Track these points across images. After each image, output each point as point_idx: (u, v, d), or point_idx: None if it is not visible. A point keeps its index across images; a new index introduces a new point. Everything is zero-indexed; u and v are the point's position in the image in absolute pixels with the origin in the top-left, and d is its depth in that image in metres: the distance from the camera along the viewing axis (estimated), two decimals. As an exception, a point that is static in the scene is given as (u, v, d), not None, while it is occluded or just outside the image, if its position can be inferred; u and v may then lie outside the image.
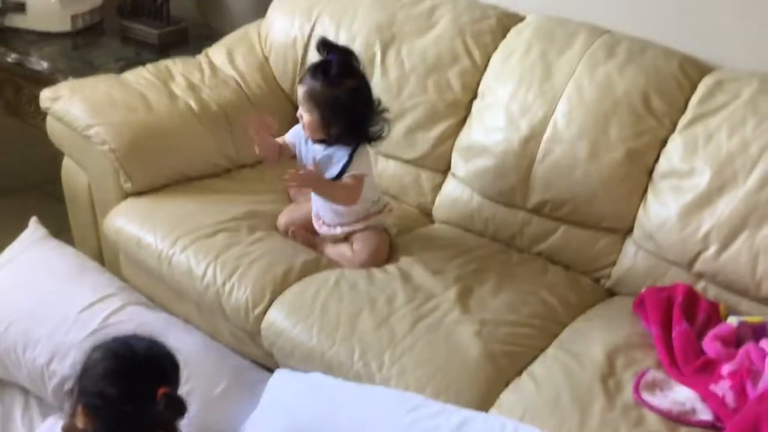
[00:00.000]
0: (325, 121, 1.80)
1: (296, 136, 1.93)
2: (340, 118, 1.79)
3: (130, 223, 2.01)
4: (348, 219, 1.91)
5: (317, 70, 1.80)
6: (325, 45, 1.81)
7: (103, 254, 2.22)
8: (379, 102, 1.85)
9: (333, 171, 1.85)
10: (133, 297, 1.93)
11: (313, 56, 2.24)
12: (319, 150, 1.87)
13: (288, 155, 1.95)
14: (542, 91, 1.96)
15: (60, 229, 2.22)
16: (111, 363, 1.35)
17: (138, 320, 1.81)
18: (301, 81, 1.85)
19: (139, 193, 2.06)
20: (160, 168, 2.09)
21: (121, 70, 2.40)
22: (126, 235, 2.01)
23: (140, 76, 2.23)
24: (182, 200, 2.05)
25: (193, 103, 2.18)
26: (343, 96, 1.78)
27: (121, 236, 2.02)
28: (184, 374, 1.43)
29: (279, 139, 1.95)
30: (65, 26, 2.68)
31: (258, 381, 1.76)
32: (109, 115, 2.07)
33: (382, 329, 1.67)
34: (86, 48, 2.66)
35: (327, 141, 1.85)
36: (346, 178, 1.84)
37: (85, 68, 2.47)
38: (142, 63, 2.39)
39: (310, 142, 1.89)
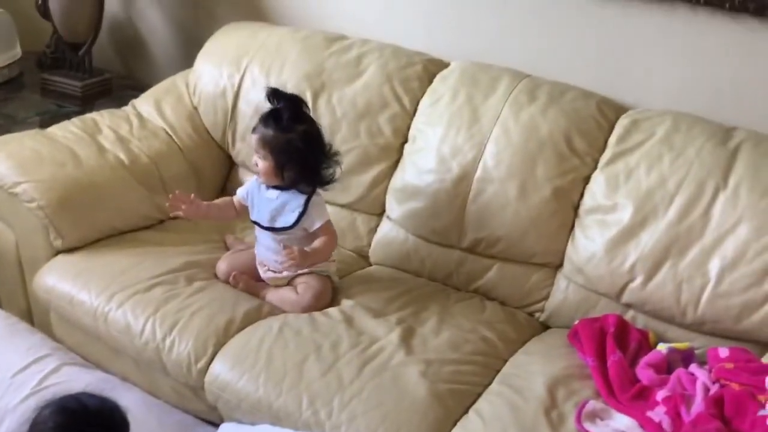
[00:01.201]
0: (279, 165, 1.84)
1: (247, 189, 1.96)
2: (293, 162, 1.84)
3: (62, 280, 1.96)
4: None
5: (269, 118, 1.85)
6: (275, 94, 1.86)
7: (33, 314, 2.15)
8: (331, 146, 1.90)
9: (288, 219, 1.87)
10: (69, 357, 1.87)
11: (243, 105, 2.29)
12: (272, 197, 1.89)
13: (244, 212, 1.97)
14: (471, 134, 2.03)
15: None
16: (60, 417, 1.32)
17: (75, 380, 1.75)
18: (254, 130, 1.89)
19: (70, 250, 2.02)
20: (92, 223, 2.05)
21: (44, 123, 2.36)
22: (58, 293, 1.95)
23: (67, 131, 2.20)
24: (116, 255, 2.01)
25: (122, 156, 2.16)
26: (295, 139, 1.83)
27: (53, 295, 1.97)
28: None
29: (234, 199, 1.99)
30: (-17, 81, 2.62)
31: (203, 436, 1.73)
32: (36, 171, 2.02)
33: (329, 375, 1.68)
34: (6, 102, 2.60)
35: (281, 186, 1.88)
36: (320, 231, 1.88)
37: (6, 123, 2.41)
38: (66, 116, 2.35)
39: (263, 189, 1.91)
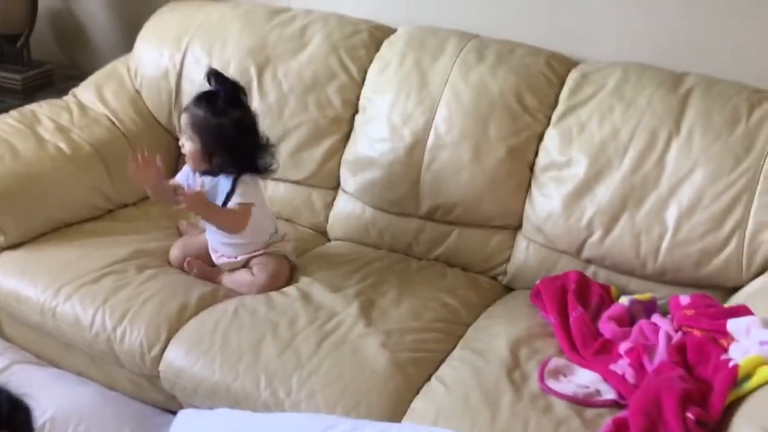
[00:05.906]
0: (207, 150, 1.77)
1: (184, 173, 1.88)
2: (222, 148, 1.76)
3: (7, 277, 1.88)
4: (247, 249, 1.87)
5: (202, 99, 1.78)
6: (215, 76, 1.78)
7: (-19, 315, 2.08)
8: (268, 138, 1.83)
9: (218, 202, 1.81)
10: (20, 356, 1.83)
11: (187, 85, 2.22)
12: (205, 182, 1.82)
13: None
14: (421, 99, 1.99)
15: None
16: None
17: (27, 378, 1.71)
18: (185, 109, 1.81)
19: (13, 246, 1.94)
20: (35, 217, 1.97)
21: (-17, 119, 2.27)
22: (3, 291, 1.88)
23: (3, 123, 2.12)
24: (63, 248, 1.94)
25: (63, 146, 2.08)
26: (227, 126, 1.75)
27: (-1, 293, 1.90)
28: (80, 427, 1.50)
29: (171, 182, 1.90)
30: None
31: (161, 425, 1.69)
32: (-28, 166, 1.95)
33: (287, 353, 1.63)
34: (-59, 99, 2.51)
35: (211, 172, 1.81)
36: (232, 205, 1.80)
37: (-58, 121, 2.31)
38: (5, 110, 2.27)
39: (197, 175, 1.84)
